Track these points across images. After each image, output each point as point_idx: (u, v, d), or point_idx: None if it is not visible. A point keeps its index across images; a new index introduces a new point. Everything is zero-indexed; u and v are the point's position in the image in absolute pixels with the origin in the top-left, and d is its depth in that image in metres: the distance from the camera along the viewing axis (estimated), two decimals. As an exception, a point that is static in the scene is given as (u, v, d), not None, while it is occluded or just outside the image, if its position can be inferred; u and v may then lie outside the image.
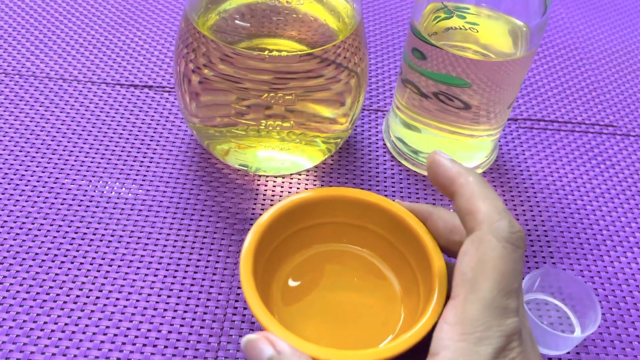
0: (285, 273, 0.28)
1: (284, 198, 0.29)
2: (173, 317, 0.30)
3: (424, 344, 0.22)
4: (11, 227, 0.33)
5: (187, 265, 0.32)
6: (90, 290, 0.31)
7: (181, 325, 0.30)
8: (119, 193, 0.35)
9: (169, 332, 0.29)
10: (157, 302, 0.30)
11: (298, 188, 0.37)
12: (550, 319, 0.31)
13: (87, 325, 0.29)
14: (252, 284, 0.24)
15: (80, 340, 0.29)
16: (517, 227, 0.22)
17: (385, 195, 0.37)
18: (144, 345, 0.29)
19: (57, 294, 0.30)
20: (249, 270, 0.24)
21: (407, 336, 0.22)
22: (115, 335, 0.29)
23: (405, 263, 0.28)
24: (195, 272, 0.32)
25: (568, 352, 0.30)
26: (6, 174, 0.36)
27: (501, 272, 0.21)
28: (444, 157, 0.24)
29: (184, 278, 0.32)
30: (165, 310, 0.30)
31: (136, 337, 0.29)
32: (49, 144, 0.38)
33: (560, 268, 0.33)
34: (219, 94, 0.32)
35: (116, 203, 0.35)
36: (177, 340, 0.29)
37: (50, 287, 0.31)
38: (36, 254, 0.32)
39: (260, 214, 0.34)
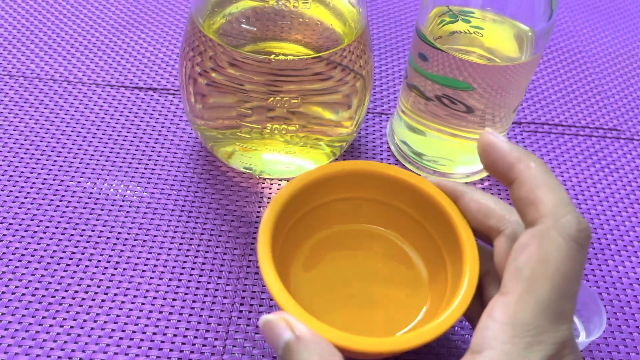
0: (304, 253, 0.26)
1: (303, 173, 0.26)
2: (178, 321, 0.30)
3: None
4: (16, 230, 0.33)
5: (192, 269, 0.32)
6: (96, 293, 0.31)
7: (186, 329, 0.30)
8: (124, 195, 0.36)
9: (174, 335, 0.29)
10: (162, 305, 0.30)
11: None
12: (555, 323, 0.31)
13: (92, 329, 0.29)
14: (270, 263, 0.22)
15: (86, 344, 0.29)
16: (585, 224, 0.20)
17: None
18: (149, 348, 0.29)
19: (63, 297, 0.30)
20: (267, 248, 0.22)
21: (432, 326, 0.21)
22: (120, 338, 0.29)
23: (432, 245, 0.25)
24: (200, 275, 0.32)
25: (573, 357, 0.30)
26: (11, 175, 0.36)
27: (564, 275, 0.19)
28: (499, 139, 0.22)
29: (189, 281, 0.32)
30: (170, 313, 0.30)
31: (141, 340, 0.29)
32: (54, 146, 0.38)
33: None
34: (224, 97, 0.32)
35: (121, 205, 0.35)
36: (183, 343, 0.29)
37: (56, 290, 0.31)
38: (41, 256, 0.32)
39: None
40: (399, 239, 0.27)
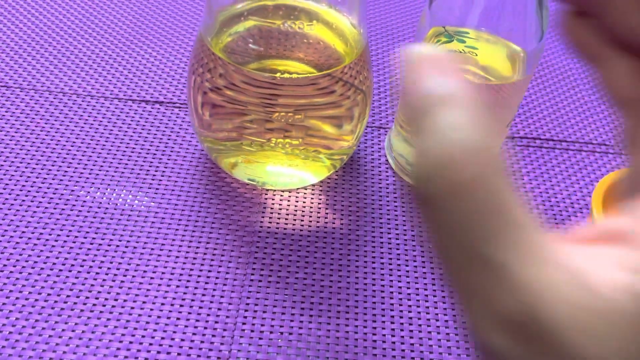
0: None
1: None
2: (185, 326, 0.31)
3: None
4: (29, 238, 0.34)
5: (199, 276, 0.33)
6: (106, 299, 0.32)
7: (193, 334, 0.31)
8: (132, 205, 0.37)
9: (182, 339, 0.31)
10: (170, 312, 0.32)
11: (304, 202, 0.38)
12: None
13: (103, 333, 0.30)
14: None
15: (97, 347, 0.30)
16: None
17: (388, 211, 0.38)
18: (158, 352, 0.30)
19: (75, 302, 0.32)
20: None
21: None
22: (130, 342, 0.30)
23: None
24: (206, 283, 0.33)
25: None
26: (23, 185, 0.37)
27: None
28: None
29: (196, 288, 0.33)
30: (177, 319, 0.31)
31: (150, 344, 0.30)
32: (65, 157, 0.39)
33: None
34: (229, 112, 0.34)
35: (130, 215, 0.36)
36: (190, 347, 0.30)
37: (68, 296, 0.32)
38: (53, 263, 0.33)
39: (268, 227, 0.36)
40: None
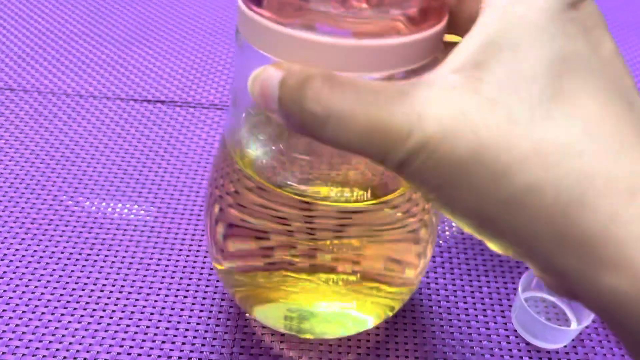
0: None
1: None
2: (183, 343, 0.30)
3: None
4: (29, 245, 0.35)
5: (196, 291, 0.34)
6: (108, 305, 0.32)
7: (191, 352, 0.30)
8: (135, 202, 0.37)
9: (179, 357, 0.30)
10: (167, 329, 0.31)
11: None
12: (547, 314, 0.33)
13: (111, 346, 0.31)
14: None
15: (97, 352, 0.30)
16: None
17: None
18: None
19: (72, 315, 0.32)
20: None
21: None
22: (131, 347, 0.31)
23: None
24: (204, 298, 0.33)
25: (565, 346, 0.31)
26: (26, 188, 0.38)
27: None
28: None
29: (193, 304, 0.33)
30: (175, 335, 0.31)
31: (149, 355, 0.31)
32: (68, 156, 0.40)
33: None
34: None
35: (129, 221, 0.37)
36: None
37: (68, 302, 0.32)
38: (53, 269, 0.34)
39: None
40: None
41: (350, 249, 0.25)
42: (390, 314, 0.29)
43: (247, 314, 0.32)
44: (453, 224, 0.37)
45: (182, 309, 0.32)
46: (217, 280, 0.33)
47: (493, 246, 0.17)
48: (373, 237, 0.25)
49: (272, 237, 0.25)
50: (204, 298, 0.32)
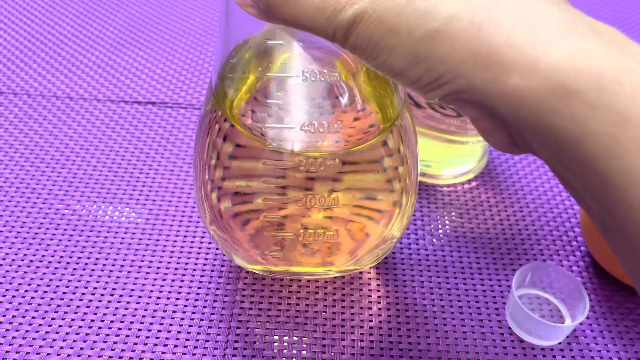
0: None
1: None
2: (175, 346, 0.30)
3: None
4: (19, 248, 0.35)
5: (191, 281, 0.34)
6: (108, 315, 0.32)
7: (183, 354, 0.30)
8: (127, 203, 0.37)
9: (175, 345, 0.30)
10: (159, 331, 0.31)
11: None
12: (542, 311, 0.33)
13: (102, 349, 0.30)
14: None
15: (100, 348, 0.30)
16: None
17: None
18: None
19: (72, 319, 0.32)
20: None
21: None
22: (131, 358, 0.30)
23: None
24: (198, 288, 0.33)
25: (559, 343, 0.31)
26: (15, 191, 0.37)
27: None
28: None
29: (188, 294, 0.33)
30: (167, 338, 0.31)
31: (143, 351, 0.30)
32: (58, 159, 0.40)
33: (550, 264, 0.35)
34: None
35: (120, 223, 0.36)
36: (183, 354, 0.30)
37: (68, 306, 0.32)
38: (44, 272, 0.33)
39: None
40: None
41: (324, 198, 0.27)
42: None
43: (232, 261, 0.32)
44: (446, 222, 0.37)
45: (174, 311, 0.31)
46: (210, 282, 0.33)
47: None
48: (347, 185, 0.27)
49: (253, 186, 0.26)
50: (196, 300, 0.32)
